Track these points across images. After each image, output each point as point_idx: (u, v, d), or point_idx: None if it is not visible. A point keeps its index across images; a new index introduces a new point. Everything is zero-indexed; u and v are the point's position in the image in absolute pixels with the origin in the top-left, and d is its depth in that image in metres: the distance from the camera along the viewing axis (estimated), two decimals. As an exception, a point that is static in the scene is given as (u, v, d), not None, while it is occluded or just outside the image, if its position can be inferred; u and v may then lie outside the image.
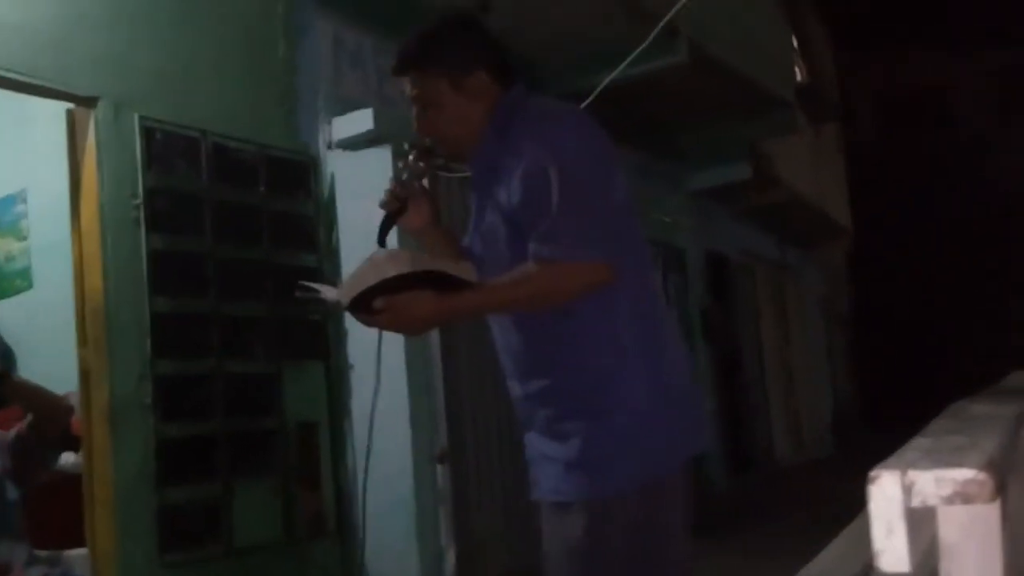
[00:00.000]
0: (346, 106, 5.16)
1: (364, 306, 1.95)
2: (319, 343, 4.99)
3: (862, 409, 16.24)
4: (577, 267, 1.93)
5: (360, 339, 5.01)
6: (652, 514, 2.01)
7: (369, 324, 2.01)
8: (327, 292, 2.10)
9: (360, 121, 5.02)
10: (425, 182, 2.24)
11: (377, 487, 4.87)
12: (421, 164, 2.16)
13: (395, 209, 2.17)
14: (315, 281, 4.97)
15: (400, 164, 2.20)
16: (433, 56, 2.10)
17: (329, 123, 5.12)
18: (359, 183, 5.07)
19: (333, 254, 5.09)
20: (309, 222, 5.04)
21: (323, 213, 5.09)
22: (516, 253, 1.99)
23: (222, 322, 4.49)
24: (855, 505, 1.09)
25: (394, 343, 4.87)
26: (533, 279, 1.94)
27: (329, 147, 5.13)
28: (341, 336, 5.03)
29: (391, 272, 1.90)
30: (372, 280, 1.91)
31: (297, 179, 5.02)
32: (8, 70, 3.84)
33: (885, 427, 9.52)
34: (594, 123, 2.08)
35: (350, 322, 5.01)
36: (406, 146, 2.18)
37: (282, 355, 4.77)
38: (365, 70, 5.51)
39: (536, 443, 2.12)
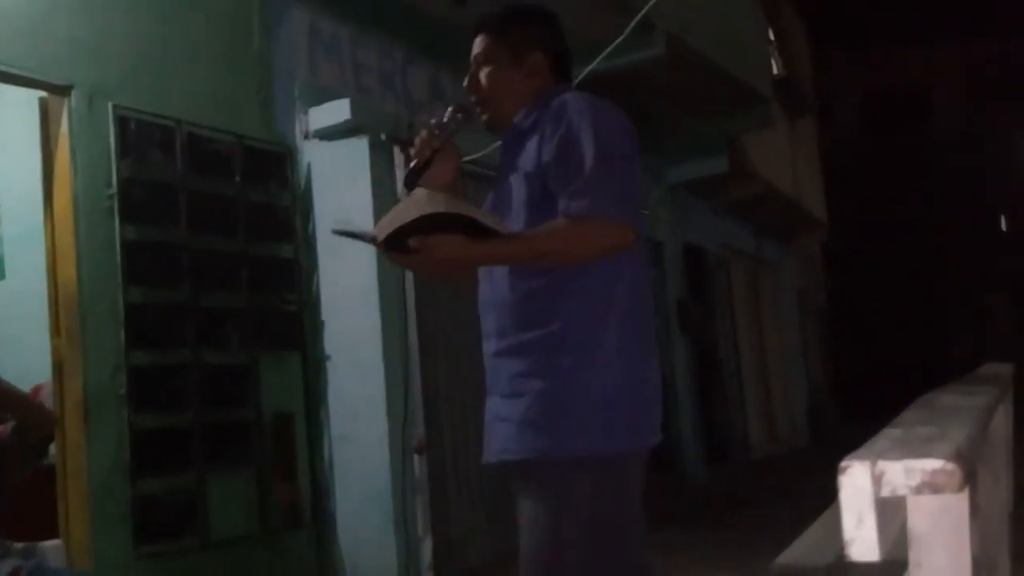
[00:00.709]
0: (322, 96, 5.13)
1: (398, 244, 2.00)
2: (295, 334, 4.97)
3: (837, 400, 16.36)
4: (605, 225, 1.99)
5: (337, 330, 5.01)
6: (613, 489, 2.04)
7: (397, 263, 2.10)
8: (363, 230, 2.15)
9: (337, 111, 5.00)
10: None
11: (354, 478, 4.90)
12: (460, 116, 2.23)
13: (425, 159, 2.21)
14: (292, 274, 4.97)
15: (434, 121, 2.25)
16: (507, 24, 2.27)
17: (305, 113, 5.10)
18: (336, 173, 5.06)
19: (309, 244, 5.07)
20: (285, 212, 5.02)
21: (299, 203, 5.07)
22: (529, 213, 2.08)
23: (197, 313, 4.46)
24: (828, 495, 1.10)
25: (371, 333, 4.88)
26: (562, 232, 2.00)
27: (305, 137, 5.11)
28: (318, 327, 5.02)
29: (429, 209, 1.95)
30: (413, 215, 1.95)
31: (273, 169, 4.99)
32: (-20, 57, 3.80)
33: (859, 418, 9.61)
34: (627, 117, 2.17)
35: (327, 313, 5.01)
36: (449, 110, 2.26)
37: (258, 346, 4.75)
38: (341, 60, 5.48)
39: (494, 406, 2.14)
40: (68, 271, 4.07)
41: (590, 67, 5.26)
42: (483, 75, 2.25)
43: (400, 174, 5.09)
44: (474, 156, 3.15)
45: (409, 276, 5.05)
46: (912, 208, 19.83)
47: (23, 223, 4.93)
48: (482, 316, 2.22)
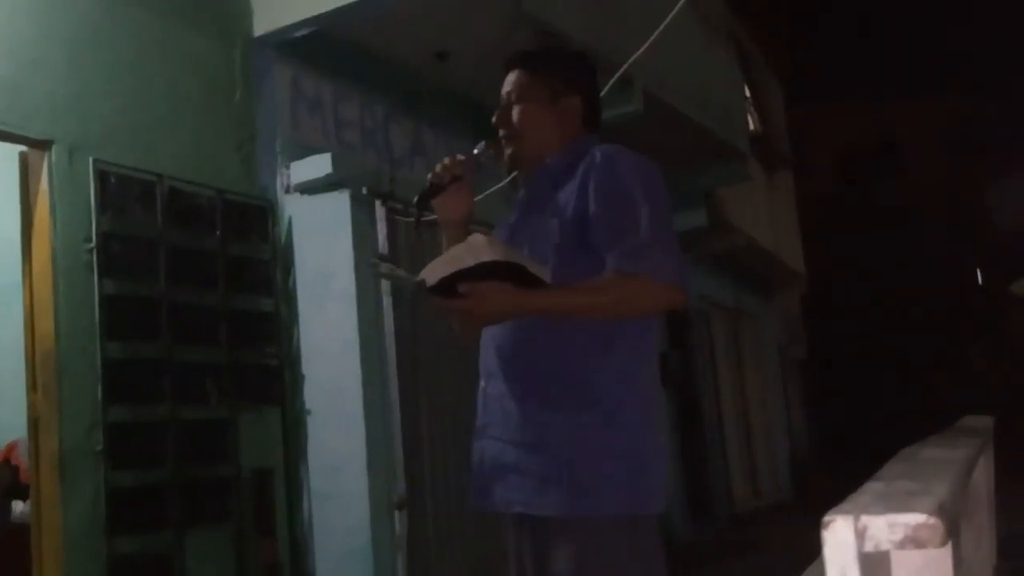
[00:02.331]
0: (304, 151, 5.16)
1: (446, 289, 1.98)
2: (275, 388, 4.93)
3: (818, 453, 16.34)
4: (661, 286, 2.00)
5: (317, 384, 4.98)
6: (632, 551, 1.99)
7: (443, 307, 2.06)
8: (402, 273, 2.12)
9: (318, 165, 5.03)
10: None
11: (335, 534, 4.84)
12: (491, 152, 2.23)
13: (443, 184, 2.20)
14: (272, 328, 4.94)
15: (462, 156, 2.24)
16: (548, 63, 2.27)
17: (287, 167, 5.12)
18: (317, 227, 5.07)
19: (290, 298, 5.06)
20: (266, 266, 5.01)
21: (280, 257, 5.07)
22: (560, 259, 2.05)
23: (176, 368, 4.43)
24: (812, 549, 1.09)
25: (352, 389, 4.85)
26: (616, 288, 1.99)
27: (287, 191, 5.12)
28: (298, 381, 4.99)
29: (487, 257, 1.93)
30: (469, 262, 1.93)
31: (254, 223, 5.00)
32: (-39, 113, 3.81)
33: (841, 471, 9.59)
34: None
35: (307, 367, 4.98)
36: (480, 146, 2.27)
37: (238, 400, 4.71)
38: (323, 115, 5.52)
39: (497, 451, 2.07)
40: (46, 326, 4.04)
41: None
42: (516, 111, 2.23)
43: (382, 228, 5.10)
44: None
45: (389, 330, 5.05)
46: (889, 261, 20.03)
47: (1, 278, 4.89)
48: (484, 352, 2.17)
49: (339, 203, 5.02)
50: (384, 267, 2.14)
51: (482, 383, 2.16)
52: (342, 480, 4.83)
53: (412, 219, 2.15)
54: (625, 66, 4.88)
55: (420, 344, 5.19)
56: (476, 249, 1.95)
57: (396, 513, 4.92)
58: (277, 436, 4.91)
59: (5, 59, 4.01)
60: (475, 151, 2.23)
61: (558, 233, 2.07)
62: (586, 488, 1.97)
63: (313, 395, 4.96)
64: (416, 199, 2.22)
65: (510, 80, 2.27)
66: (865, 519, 0.90)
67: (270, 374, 4.93)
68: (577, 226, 2.05)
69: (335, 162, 5.01)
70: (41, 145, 4.12)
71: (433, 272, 1.98)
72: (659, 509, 2.05)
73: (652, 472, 2.04)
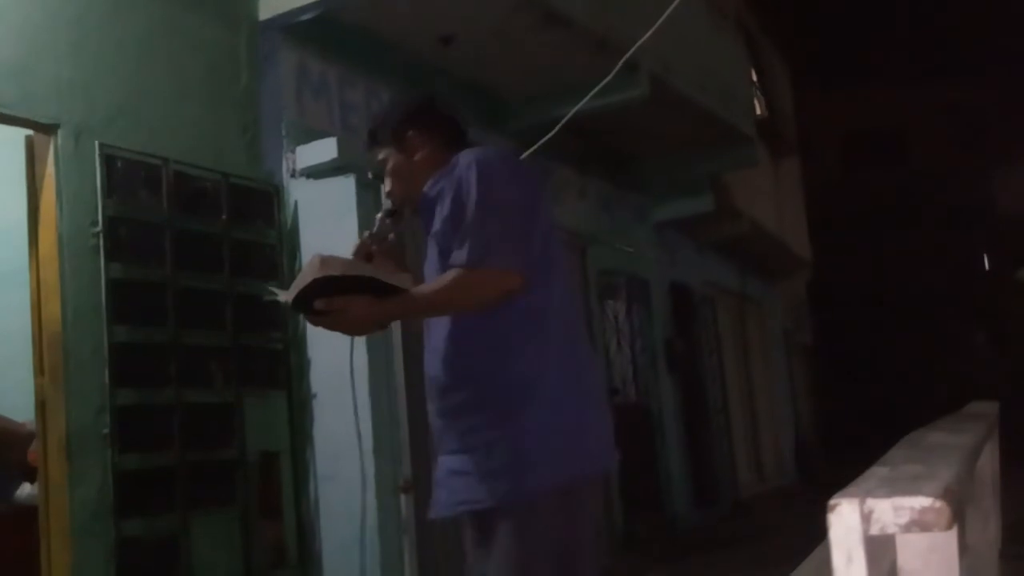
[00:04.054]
0: (310, 135, 5.15)
1: (307, 306, 2.18)
2: (281, 372, 4.95)
3: (824, 438, 16.35)
4: (488, 274, 2.10)
5: (323, 368, 4.98)
6: (570, 519, 2.13)
7: (314, 324, 2.25)
8: (281, 294, 2.31)
9: (324, 150, 5.02)
10: (392, 237, 2.46)
11: (340, 518, 4.85)
12: (388, 222, 2.41)
13: (363, 258, 2.39)
14: (278, 312, 4.97)
15: (366, 232, 2.43)
16: (377, 129, 2.44)
17: (293, 152, 5.11)
18: (322, 211, 5.06)
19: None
20: (272, 250, 5.02)
21: (286, 241, 5.07)
22: (443, 270, 2.19)
23: (182, 352, 4.44)
24: (817, 534, 1.10)
25: (358, 372, 4.85)
26: (449, 284, 2.11)
27: (292, 175, 5.12)
28: (304, 365, 5.00)
29: (321, 273, 2.12)
30: (308, 279, 2.13)
31: (260, 207, 5.00)
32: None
33: (846, 456, 9.60)
34: (521, 159, 2.36)
35: (313, 350, 4.99)
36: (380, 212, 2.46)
37: (243, 384, 4.72)
38: (329, 99, 5.51)
39: (445, 463, 2.22)
40: (53, 310, 4.05)
41: (575, 108, 5.32)
42: (390, 180, 2.40)
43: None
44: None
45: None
46: (894, 247, 19.98)
47: (8, 262, 4.90)
48: (425, 382, 2.33)
49: (345, 187, 5.01)
50: (273, 294, 2.35)
51: (427, 407, 2.32)
52: (348, 463, 4.84)
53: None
54: (632, 50, 4.87)
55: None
56: (313, 268, 2.14)
57: (402, 496, 4.94)
58: (283, 420, 4.93)
59: (12, 43, 4.01)
60: (374, 228, 2.42)
61: (437, 248, 2.23)
62: (513, 473, 2.10)
63: (319, 379, 4.97)
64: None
65: (373, 159, 2.45)
66: (871, 502, 0.91)
67: (276, 358, 4.94)
68: (443, 236, 2.21)
69: (341, 146, 5.00)
70: (47, 129, 4.12)
71: (290, 292, 2.20)
72: (595, 470, 2.21)
73: (582, 438, 2.16)
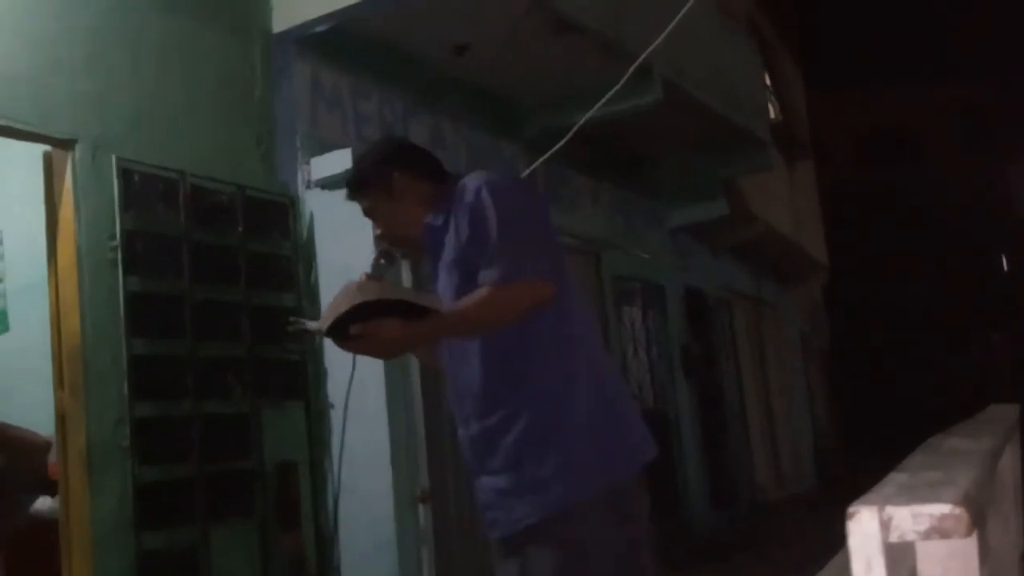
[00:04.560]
0: (324, 147, 5.18)
1: (342, 332, 2.20)
2: (298, 383, 4.96)
3: (842, 443, 16.26)
4: (520, 286, 2.15)
5: (340, 379, 4.99)
6: (618, 520, 2.17)
7: (347, 349, 2.27)
8: (310, 323, 2.36)
9: (338, 161, 5.04)
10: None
11: (359, 528, 4.86)
12: (383, 262, 2.44)
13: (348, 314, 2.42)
14: (298, 318, 5.00)
15: (362, 274, 2.44)
16: (358, 179, 2.49)
17: (307, 163, 5.14)
18: (338, 222, 5.08)
19: (312, 293, 5.08)
20: (288, 262, 5.04)
21: (302, 252, 5.09)
22: (463, 294, 2.22)
23: (200, 364, 4.46)
24: (836, 540, 1.09)
25: (374, 383, 4.87)
26: (483, 300, 2.15)
27: (308, 187, 5.14)
28: (320, 376, 5.01)
29: (360, 299, 2.16)
30: (345, 306, 2.16)
31: (275, 219, 5.02)
32: (-15, 113, 3.85)
33: (864, 460, 9.54)
34: (521, 178, 2.35)
35: (330, 361, 5.01)
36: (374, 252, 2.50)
37: (261, 395, 4.74)
38: (343, 111, 5.54)
39: (490, 484, 2.25)
40: (72, 323, 4.08)
41: (588, 115, 5.32)
42: (379, 224, 2.47)
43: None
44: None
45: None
46: (911, 248, 19.88)
47: (26, 276, 4.95)
48: (455, 402, 2.36)
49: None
50: (299, 323, 2.36)
51: (461, 431, 2.35)
52: (366, 474, 4.85)
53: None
54: (644, 56, 4.87)
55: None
56: (350, 294, 2.19)
57: (420, 506, 4.94)
58: (301, 430, 4.94)
59: (28, 59, 4.04)
60: (370, 269, 2.42)
61: (456, 275, 2.26)
62: (566, 478, 2.14)
63: (336, 389, 4.98)
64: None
65: (358, 208, 2.51)
66: (890, 510, 0.90)
67: (293, 369, 4.96)
68: (463, 262, 2.24)
69: (355, 157, 5.02)
70: (64, 144, 4.15)
71: (324, 321, 2.23)
72: (640, 463, 2.24)
73: (623, 434, 2.24)
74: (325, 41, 5.32)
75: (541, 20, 5.74)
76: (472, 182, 2.27)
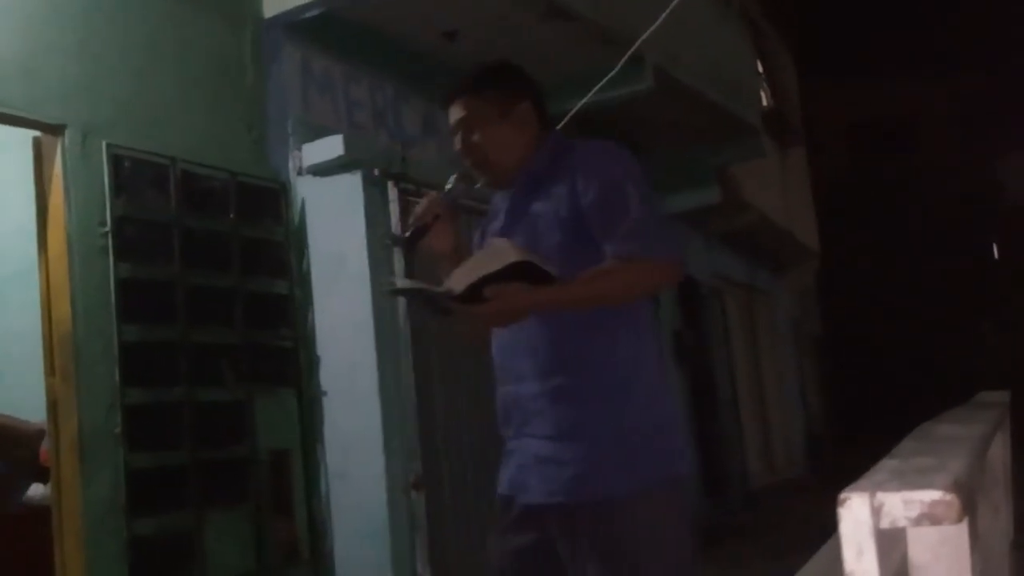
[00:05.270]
0: (316, 132, 5.16)
1: (473, 296, 2.03)
2: (291, 370, 4.96)
3: (834, 430, 16.33)
4: (660, 263, 2.12)
5: (332, 365, 5.00)
6: (681, 513, 2.16)
7: (469, 315, 2.10)
8: (426, 285, 2.18)
9: (330, 147, 5.03)
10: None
11: (352, 515, 4.87)
12: (462, 186, 2.31)
13: (427, 223, 2.29)
14: (287, 310, 4.97)
15: (436, 193, 2.34)
16: (487, 84, 2.32)
17: (299, 149, 5.12)
18: (330, 208, 5.08)
19: (304, 280, 5.07)
20: (279, 248, 5.03)
21: (293, 239, 5.08)
22: (565, 255, 2.12)
23: (192, 350, 4.45)
24: (827, 527, 1.10)
25: (367, 369, 4.87)
26: (622, 272, 2.09)
27: (299, 173, 5.13)
28: (313, 362, 5.01)
29: (512, 258, 2.00)
30: (495, 266, 2.01)
31: (267, 205, 5.01)
32: (-26, 98, 3.82)
33: (856, 447, 9.58)
34: None
35: (322, 348, 5.00)
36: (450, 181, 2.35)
37: (253, 382, 4.73)
38: (334, 96, 5.52)
39: (534, 447, 2.16)
40: (63, 310, 4.07)
41: (583, 101, 5.31)
42: (476, 138, 2.27)
43: (394, 209, 5.11)
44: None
45: (402, 310, 5.06)
46: (903, 237, 19.93)
47: (16, 263, 4.92)
48: (509, 357, 2.25)
49: (351, 184, 5.02)
50: (401, 282, 2.20)
51: (510, 387, 2.23)
52: (359, 460, 4.86)
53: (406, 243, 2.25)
54: (636, 44, 4.85)
55: (434, 325, 5.19)
56: (501, 252, 2.04)
57: (413, 493, 4.95)
58: (293, 417, 4.94)
59: (17, 43, 4.02)
60: (447, 187, 2.31)
61: (558, 233, 2.16)
62: (625, 466, 2.09)
63: (328, 376, 4.99)
64: (405, 242, 2.32)
65: (457, 111, 2.31)
66: (881, 496, 0.91)
67: (285, 355, 4.96)
68: (573, 221, 2.14)
69: (347, 143, 5.01)
70: (54, 129, 4.13)
71: (459, 280, 2.05)
72: (688, 469, 2.23)
73: (677, 436, 2.23)
74: (315, 26, 5.29)
75: (532, 5, 5.72)
76: (604, 147, 2.21)
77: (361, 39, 5.61)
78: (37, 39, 4.10)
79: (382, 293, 4.68)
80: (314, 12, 5.20)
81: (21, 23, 4.05)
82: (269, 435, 4.78)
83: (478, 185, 2.37)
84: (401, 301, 5.00)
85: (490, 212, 2.43)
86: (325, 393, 4.98)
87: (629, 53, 4.83)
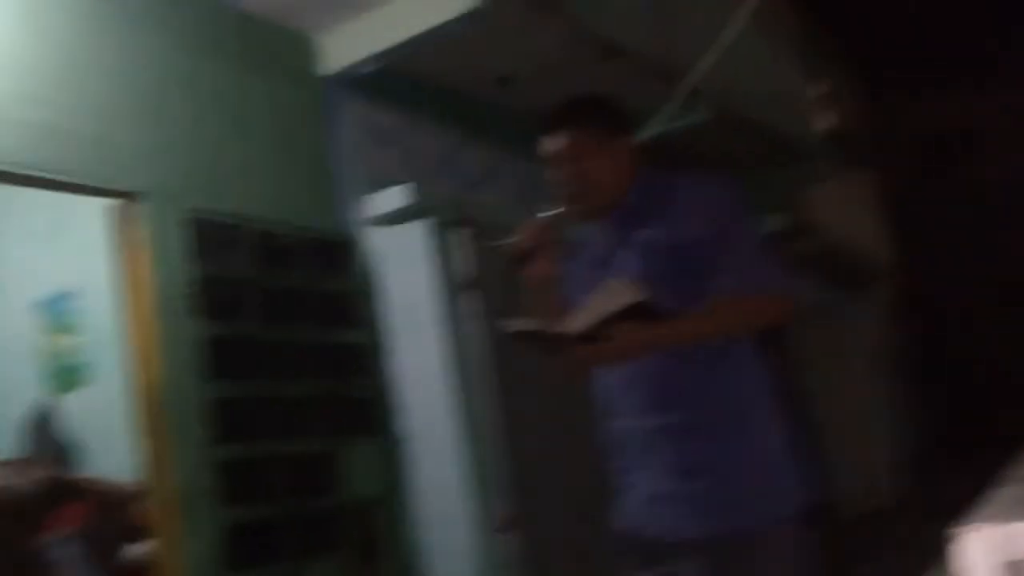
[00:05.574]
0: (380, 184, 5.24)
1: (592, 336, 2.03)
2: (372, 418, 4.99)
3: (925, 451, 15.85)
4: (774, 300, 2.15)
5: (413, 412, 5.02)
6: (810, 548, 2.15)
7: (584, 356, 2.09)
8: (542, 327, 2.16)
9: (395, 197, 5.09)
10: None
11: (443, 560, 4.85)
12: (565, 219, 2.31)
13: (530, 249, 2.29)
14: (364, 359, 5.00)
15: (538, 216, 2.33)
16: (590, 115, 2.35)
17: (365, 201, 5.20)
18: (398, 258, 5.13)
19: (379, 329, 5.13)
20: (353, 299, 5.09)
21: (366, 289, 5.14)
22: (674, 289, 2.12)
23: (276, 404, 4.51)
24: (927, 555, 1.06)
25: (447, 413, 4.88)
26: (737, 308, 2.11)
27: (367, 224, 5.20)
28: (394, 410, 5.04)
29: (629, 299, 2.01)
30: (613, 306, 2.02)
31: (338, 258, 5.08)
32: (54, 171, 3.93)
33: (951, 468, 9.30)
34: None
35: (402, 395, 5.03)
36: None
37: (338, 432, 4.77)
38: (397, 147, 5.60)
39: (662, 483, 2.16)
40: (152, 372, 4.16)
41: (642, 135, 5.31)
42: (577, 169, 2.28)
43: (462, 254, 5.14)
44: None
45: (480, 354, 5.06)
46: (979, 250, 19.39)
47: (106, 328, 5.06)
48: (624, 391, 2.25)
49: (418, 233, 5.08)
50: (519, 323, 2.14)
51: (628, 421, 2.23)
52: (444, 505, 4.85)
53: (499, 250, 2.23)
54: (694, 78, 4.84)
55: (513, 365, 5.18)
56: (617, 293, 2.03)
57: (502, 536, 4.92)
58: (378, 466, 4.96)
59: (92, 115, 4.15)
60: (545, 215, 2.30)
61: (662, 265, 2.15)
62: (759, 497, 2.09)
63: (410, 423, 5.01)
64: (508, 263, 2.31)
65: (558, 141, 2.31)
66: (996, 529, 0.87)
67: (366, 405, 4.99)
68: (680, 254, 2.14)
69: (411, 192, 5.07)
70: (131, 197, 4.24)
71: (580, 321, 2.04)
72: (818, 497, 2.24)
73: (803, 465, 2.23)
74: (374, 81, 5.40)
75: (585, 46, 5.75)
76: (706, 182, 2.23)
77: (419, 90, 5.70)
78: (111, 109, 4.22)
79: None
80: (372, 68, 5.31)
81: (95, 95, 4.17)
82: (356, 484, 4.80)
83: (571, 219, 2.35)
84: (482, 341, 4.98)
85: (576, 245, 2.42)
86: (408, 440, 4.99)
87: (687, 88, 4.81)
